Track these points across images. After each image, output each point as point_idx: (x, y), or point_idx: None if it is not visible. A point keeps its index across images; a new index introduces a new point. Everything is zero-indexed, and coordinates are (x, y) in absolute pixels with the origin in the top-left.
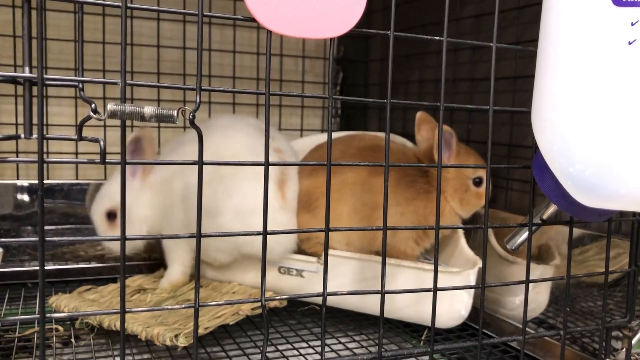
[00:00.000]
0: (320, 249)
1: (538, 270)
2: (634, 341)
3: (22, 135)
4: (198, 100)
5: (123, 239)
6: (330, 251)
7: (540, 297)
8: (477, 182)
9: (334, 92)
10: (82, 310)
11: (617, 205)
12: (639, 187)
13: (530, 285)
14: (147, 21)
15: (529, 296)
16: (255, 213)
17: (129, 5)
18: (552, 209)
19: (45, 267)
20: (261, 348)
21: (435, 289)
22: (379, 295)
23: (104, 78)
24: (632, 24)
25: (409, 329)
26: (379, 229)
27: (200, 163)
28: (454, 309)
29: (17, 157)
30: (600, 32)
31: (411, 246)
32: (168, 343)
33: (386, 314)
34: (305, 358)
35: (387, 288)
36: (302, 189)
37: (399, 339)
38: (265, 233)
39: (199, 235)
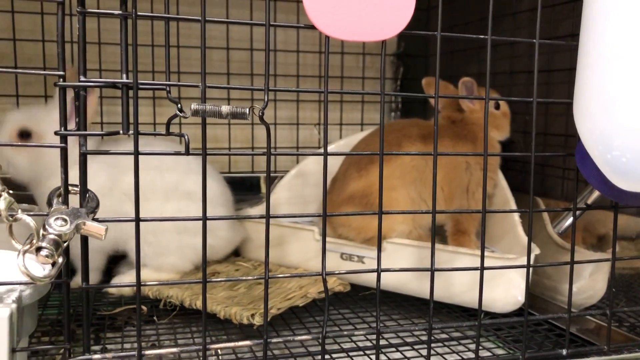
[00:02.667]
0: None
1: (594, 257)
2: None
3: (121, 132)
4: (266, 99)
5: (204, 219)
6: (390, 239)
7: (597, 284)
8: (497, 106)
9: (394, 86)
10: (165, 292)
11: None
12: None
13: (587, 272)
14: (217, 24)
15: (585, 284)
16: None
17: (207, 19)
18: (595, 194)
19: None
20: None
21: (482, 268)
22: (438, 281)
23: (178, 80)
24: None
25: (466, 314)
26: (427, 212)
27: (268, 154)
28: (510, 294)
29: None
30: (636, 26)
31: (478, 192)
32: (245, 321)
33: (444, 299)
34: (355, 327)
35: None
36: (357, 190)
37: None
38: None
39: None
